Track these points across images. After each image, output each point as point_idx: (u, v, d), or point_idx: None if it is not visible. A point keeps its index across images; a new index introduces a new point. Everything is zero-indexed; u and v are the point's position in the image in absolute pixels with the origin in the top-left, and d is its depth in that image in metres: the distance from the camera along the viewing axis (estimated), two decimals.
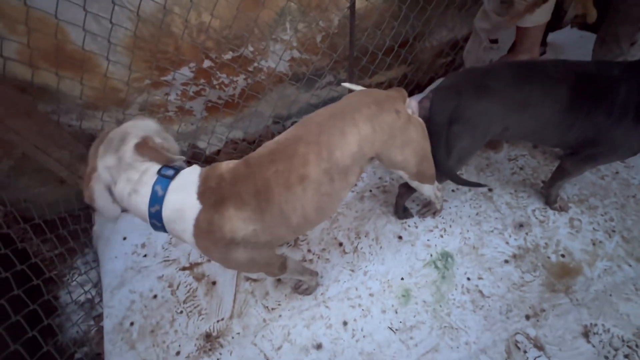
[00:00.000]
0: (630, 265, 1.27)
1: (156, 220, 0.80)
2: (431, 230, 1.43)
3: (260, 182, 0.82)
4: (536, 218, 1.42)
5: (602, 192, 1.45)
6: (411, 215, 1.46)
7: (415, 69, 1.91)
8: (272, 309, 1.33)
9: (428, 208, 1.44)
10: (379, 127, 0.90)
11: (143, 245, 1.55)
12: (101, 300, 1.57)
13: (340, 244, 1.44)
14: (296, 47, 1.52)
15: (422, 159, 1.02)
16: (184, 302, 1.39)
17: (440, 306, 1.27)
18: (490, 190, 1.51)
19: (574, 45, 1.99)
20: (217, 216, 0.79)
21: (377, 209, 1.52)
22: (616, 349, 1.12)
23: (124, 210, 0.84)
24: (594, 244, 1.34)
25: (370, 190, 1.57)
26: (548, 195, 1.39)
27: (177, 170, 0.83)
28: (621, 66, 0.95)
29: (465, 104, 0.97)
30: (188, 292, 1.41)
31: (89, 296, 1.60)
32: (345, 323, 1.27)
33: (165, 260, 1.49)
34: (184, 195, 0.80)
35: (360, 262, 1.39)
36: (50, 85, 1.24)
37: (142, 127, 0.84)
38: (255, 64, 1.51)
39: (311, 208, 0.87)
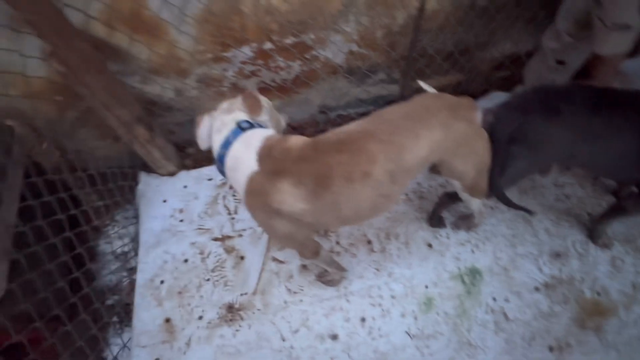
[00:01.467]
0: None
1: (220, 163, 0.91)
2: (463, 244, 1.40)
3: (322, 168, 0.83)
4: (575, 250, 1.35)
5: None
6: (444, 226, 1.44)
7: (470, 78, 1.84)
8: (295, 292, 1.35)
9: (464, 221, 1.40)
10: (451, 135, 0.89)
11: (181, 211, 1.61)
12: (136, 255, 1.65)
13: (369, 242, 1.44)
14: (356, 41, 1.50)
15: (480, 173, 1.00)
16: (212, 270, 1.44)
17: (462, 321, 1.25)
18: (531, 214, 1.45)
19: None
20: (270, 184, 0.84)
21: (410, 213, 1.50)
22: None
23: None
24: (634, 287, 1.27)
25: (407, 194, 1.55)
26: (595, 229, 1.32)
27: (253, 126, 0.92)
28: None
29: (530, 124, 0.93)
30: (217, 262, 1.46)
31: (126, 249, 1.70)
32: (363, 319, 1.28)
33: (199, 228, 1.55)
34: (245, 150, 0.87)
35: (387, 262, 1.38)
36: (122, 46, 1.29)
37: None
38: (313, 52, 1.51)
39: (365, 206, 0.87)
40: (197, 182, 1.69)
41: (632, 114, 0.89)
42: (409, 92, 1.78)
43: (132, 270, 1.64)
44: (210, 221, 1.57)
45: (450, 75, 1.79)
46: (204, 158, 1.82)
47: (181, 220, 1.59)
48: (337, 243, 1.44)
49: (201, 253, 1.49)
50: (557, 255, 1.35)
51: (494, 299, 1.28)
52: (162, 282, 1.44)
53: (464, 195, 1.11)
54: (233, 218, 1.56)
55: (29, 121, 1.37)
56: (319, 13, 1.36)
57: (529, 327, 1.22)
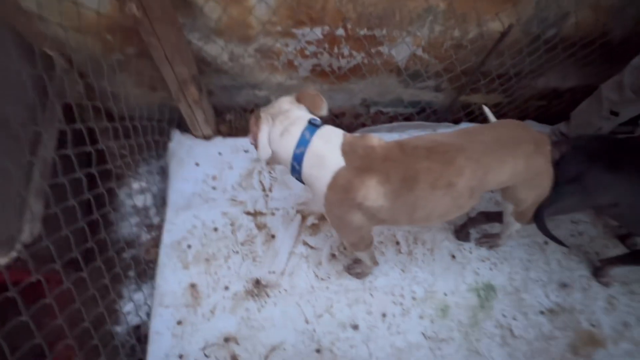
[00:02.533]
0: None
1: (297, 163, 0.89)
2: (483, 261, 1.50)
3: (410, 170, 0.87)
4: (580, 284, 1.49)
5: None
6: (469, 240, 1.52)
7: (510, 101, 1.90)
8: (322, 279, 1.41)
9: (488, 240, 1.49)
10: (530, 167, 0.95)
11: (214, 178, 1.60)
12: (157, 212, 1.64)
13: (397, 243, 1.50)
14: (423, 46, 1.51)
15: (535, 203, 1.07)
16: (242, 244, 1.46)
17: (473, 331, 1.35)
18: (546, 243, 1.57)
19: None
20: (357, 180, 0.87)
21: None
22: None
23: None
24: (624, 325, 1.42)
25: None
26: (602, 269, 1.45)
27: (323, 123, 0.93)
28: None
29: (593, 171, 1.00)
30: (247, 236, 1.47)
31: (147, 204, 1.67)
32: (384, 315, 1.36)
33: (232, 199, 1.55)
34: (328, 146, 0.89)
35: (412, 265, 1.46)
36: (196, 1, 1.24)
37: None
38: (380, 48, 1.50)
39: (440, 212, 0.93)
40: (233, 151, 1.67)
41: None
42: (456, 104, 1.82)
43: (152, 227, 1.63)
44: (244, 194, 1.57)
45: (495, 94, 1.85)
46: (241, 127, 1.79)
47: (214, 188, 1.58)
48: (371, 273, 1.47)
49: (232, 224, 1.50)
50: (564, 286, 1.48)
51: (504, 316, 1.39)
52: (189, 246, 1.44)
53: (509, 218, 1.18)
54: (267, 195, 1.57)
55: (71, 54, 1.28)
56: (399, 12, 1.35)
57: (530, 346, 1.34)
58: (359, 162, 0.87)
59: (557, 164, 1.04)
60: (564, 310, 1.42)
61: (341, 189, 0.88)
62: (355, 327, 1.33)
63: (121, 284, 1.41)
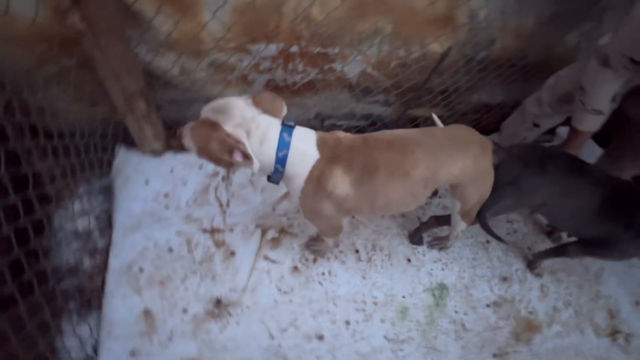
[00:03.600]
0: (576, 334, 1.58)
1: (280, 165, 0.92)
2: (435, 262, 1.63)
3: (371, 159, 0.95)
4: (517, 276, 1.68)
5: (568, 270, 1.76)
6: (422, 244, 1.65)
7: (450, 114, 2.12)
8: (285, 292, 1.42)
9: (439, 242, 1.63)
10: (477, 166, 1.09)
11: (166, 195, 1.54)
12: (101, 235, 1.53)
13: (357, 251, 1.58)
14: (372, 64, 1.63)
15: (478, 203, 1.22)
16: (200, 263, 1.42)
17: (430, 328, 1.46)
18: (487, 242, 1.75)
19: None
20: (328, 169, 0.93)
21: (393, 228, 1.68)
22: None
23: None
24: (554, 310, 1.63)
25: None
26: (534, 261, 1.66)
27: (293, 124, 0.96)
28: None
29: (526, 175, 1.17)
30: (205, 254, 1.44)
31: (89, 227, 1.55)
32: (347, 322, 1.41)
33: (187, 217, 1.51)
34: (307, 143, 0.94)
35: (372, 272, 1.53)
36: (146, 14, 1.22)
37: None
38: (333, 65, 1.59)
39: (397, 200, 1.03)
40: (186, 167, 1.63)
41: (593, 184, 1.19)
42: (403, 117, 1.97)
43: (96, 252, 1.51)
44: (200, 211, 1.53)
45: (438, 108, 2.04)
46: None
47: (166, 206, 1.52)
48: (328, 252, 1.54)
49: (188, 243, 1.45)
50: (504, 279, 1.66)
51: (456, 312, 1.52)
52: (141, 269, 1.37)
53: (456, 217, 1.32)
54: (225, 211, 1.55)
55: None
56: (349, 33, 1.45)
57: (480, 337, 1.48)
58: (329, 154, 0.95)
59: (495, 169, 1.20)
60: (506, 302, 1.60)
61: (315, 180, 0.95)
62: (320, 337, 1.36)
63: (63, 318, 1.29)
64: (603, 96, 1.18)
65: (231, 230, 1.51)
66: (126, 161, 1.58)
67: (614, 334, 1.61)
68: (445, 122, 2.13)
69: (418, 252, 1.64)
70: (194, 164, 1.65)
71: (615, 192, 1.19)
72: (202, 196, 1.57)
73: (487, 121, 2.23)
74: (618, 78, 1.14)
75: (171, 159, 1.64)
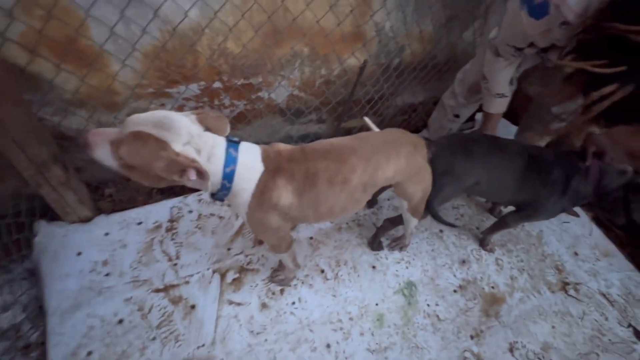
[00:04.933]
0: (535, 296, 1.74)
1: (228, 181, 0.92)
2: (399, 262, 1.70)
3: (311, 169, 1.00)
4: (474, 256, 1.82)
5: (515, 240, 1.95)
6: (382, 248, 1.71)
7: (381, 120, 2.27)
8: (258, 333, 1.37)
9: (397, 242, 1.71)
10: (411, 164, 1.17)
11: (105, 263, 1.42)
12: (34, 328, 1.35)
13: (322, 271, 1.59)
14: (298, 86, 1.71)
15: (423, 197, 1.31)
16: (158, 327, 1.32)
17: (408, 329, 1.50)
18: (441, 231, 1.88)
19: None
20: (271, 182, 0.96)
21: (353, 240, 1.73)
22: None
23: None
24: (511, 279, 1.78)
25: (347, 223, 1.78)
26: (484, 239, 1.82)
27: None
28: (555, 153, 1.41)
29: (457, 162, 1.30)
30: (162, 316, 1.34)
31: (16, 322, 1.36)
32: (328, 346, 1.39)
33: (134, 281, 1.40)
34: (253, 157, 0.96)
35: (341, 288, 1.55)
36: (43, 75, 1.15)
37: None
38: (259, 94, 1.63)
39: (339, 206, 1.08)
40: (123, 227, 1.53)
41: (512, 155, 1.36)
42: (338, 131, 2.07)
43: (29, 348, 1.33)
44: (147, 271, 1.43)
45: (368, 117, 2.18)
46: (126, 199, 1.66)
47: (107, 274, 1.40)
48: (295, 277, 1.53)
49: (140, 309, 1.34)
50: (463, 262, 1.78)
51: (428, 305, 1.59)
52: (89, 353, 1.23)
53: (406, 215, 1.40)
54: (175, 264, 1.47)
55: None
56: (269, 60, 1.51)
57: (455, 323, 1.56)
58: (272, 166, 0.97)
59: (431, 162, 1.31)
60: (470, 283, 1.71)
61: (261, 192, 0.96)
62: None
63: None
64: (502, 81, 1.37)
65: (186, 282, 1.43)
66: (49, 236, 1.43)
67: (564, 287, 1.81)
68: (378, 126, 2.31)
69: (381, 257, 1.69)
70: (132, 221, 1.55)
71: (532, 158, 1.37)
72: (146, 254, 1.47)
73: (415, 120, 2.43)
74: (510, 64, 1.34)
75: (104, 223, 1.52)
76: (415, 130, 2.38)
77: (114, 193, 1.64)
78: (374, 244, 1.69)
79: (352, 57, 1.71)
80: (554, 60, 1.37)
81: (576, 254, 1.97)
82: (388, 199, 1.93)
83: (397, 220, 1.56)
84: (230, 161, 0.91)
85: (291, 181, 0.99)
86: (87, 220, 1.51)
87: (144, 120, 0.80)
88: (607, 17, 0.82)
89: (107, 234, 1.49)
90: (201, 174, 0.83)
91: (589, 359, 1.57)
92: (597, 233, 2.10)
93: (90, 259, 1.42)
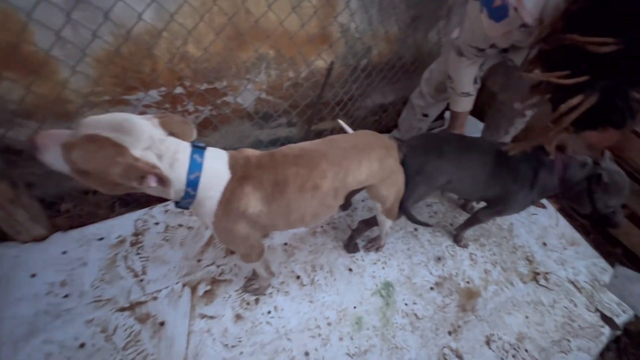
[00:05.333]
0: (508, 288, 1.79)
1: (192, 188, 0.88)
2: (375, 263, 1.70)
3: (280, 175, 0.97)
4: (449, 253, 1.85)
5: (487, 234, 2.00)
6: (358, 250, 1.71)
7: (352, 121, 2.28)
8: (233, 346, 1.32)
9: (373, 243, 1.71)
10: (384, 167, 1.17)
11: (63, 284, 1.33)
12: None
13: (298, 277, 1.56)
14: (265, 89, 1.68)
15: (397, 199, 1.31)
16: (124, 348, 1.24)
17: (387, 330, 1.50)
18: (415, 230, 1.90)
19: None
20: (239, 189, 0.93)
21: (328, 243, 1.71)
22: (507, 351, 1.55)
23: None
24: (485, 272, 1.82)
25: (322, 227, 1.77)
26: (457, 235, 1.85)
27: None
28: (522, 151, 1.45)
29: (429, 161, 1.32)
30: (129, 336, 1.27)
31: None
32: (307, 353, 1.37)
33: (96, 301, 1.32)
34: (220, 164, 0.92)
35: (318, 293, 1.53)
36: None
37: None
38: (225, 98, 1.59)
39: (310, 212, 1.06)
40: (82, 244, 1.44)
41: (482, 153, 1.40)
42: (309, 134, 2.05)
43: None
44: (111, 289, 1.36)
45: (340, 119, 2.18)
46: (85, 214, 1.57)
47: (66, 296, 1.31)
48: (269, 285, 1.49)
49: (103, 330, 1.26)
50: (438, 259, 1.81)
51: (406, 304, 1.60)
52: None
53: (381, 217, 1.40)
54: (142, 280, 1.40)
55: None
56: (233, 63, 1.48)
57: (433, 320, 1.58)
58: (240, 172, 0.94)
59: (403, 163, 1.31)
60: (446, 279, 1.74)
61: (227, 201, 0.93)
62: None
63: None
64: (466, 80, 1.41)
65: (154, 298, 1.36)
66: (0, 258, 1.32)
67: (535, 277, 1.87)
68: (350, 129, 2.31)
69: (357, 260, 1.69)
70: (92, 237, 1.46)
71: (501, 155, 1.41)
72: (110, 272, 1.39)
73: (386, 120, 2.46)
74: (473, 64, 1.37)
75: (60, 240, 1.43)
76: (387, 130, 2.41)
77: (71, 208, 1.54)
78: (350, 246, 1.68)
79: (319, 58, 1.70)
80: (516, 60, 1.42)
81: (545, 244, 2.04)
82: (362, 200, 1.93)
83: (372, 222, 1.56)
84: (195, 168, 0.87)
85: (259, 188, 0.96)
86: (41, 239, 1.41)
87: (101, 122, 0.76)
88: (563, 26, 0.85)
89: (64, 252, 1.40)
90: (162, 180, 0.79)
91: (561, 346, 1.63)
92: (563, 223, 2.20)
93: (46, 281, 1.32)
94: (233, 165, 0.95)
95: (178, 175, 0.86)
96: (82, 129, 0.74)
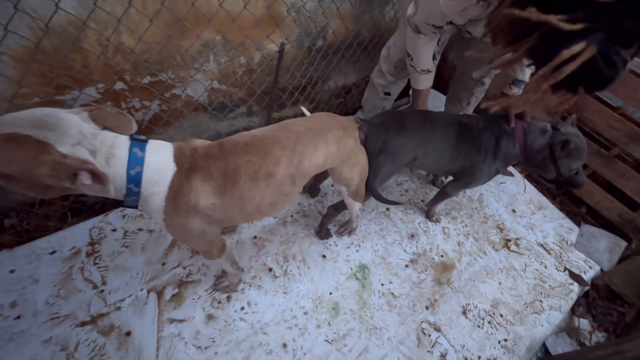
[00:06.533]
0: (481, 257, 1.83)
1: (134, 185, 0.83)
2: (349, 247, 1.69)
3: (230, 165, 0.93)
4: (421, 229, 1.87)
5: (458, 207, 2.04)
6: (331, 235, 1.69)
7: (315, 106, 2.24)
8: (206, 347, 1.29)
9: (345, 227, 1.70)
10: (342, 148, 1.14)
11: (13, 305, 1.25)
12: None
13: (270, 269, 1.53)
14: (217, 78, 1.61)
15: (362, 180, 1.29)
16: None
17: (365, 312, 1.50)
18: (387, 209, 1.90)
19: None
20: (187, 183, 0.89)
21: (299, 232, 1.69)
22: (482, 318, 1.60)
23: None
24: (458, 245, 1.86)
25: (292, 216, 1.74)
26: (429, 211, 1.87)
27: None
28: (483, 119, 1.46)
29: (391, 139, 1.30)
30: (92, 351, 1.21)
31: None
32: (284, 345, 1.35)
33: (52, 319, 1.24)
34: (163, 157, 0.87)
35: (292, 283, 1.51)
36: None
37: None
38: (174, 91, 1.51)
39: (267, 202, 1.02)
40: (32, 260, 1.35)
41: (444, 126, 1.40)
42: (270, 122, 1.99)
43: None
44: (68, 304, 1.28)
45: (302, 104, 2.13)
46: (34, 227, 1.47)
47: (17, 318, 1.23)
48: (240, 281, 1.46)
49: (64, 349, 1.20)
50: (412, 236, 1.82)
51: (382, 284, 1.61)
52: None
53: (348, 200, 1.39)
54: (102, 291, 1.33)
55: None
56: (177, 53, 1.40)
57: (410, 297, 1.59)
58: (187, 165, 0.90)
59: (365, 143, 1.29)
60: (420, 255, 1.76)
61: (175, 196, 0.88)
62: None
63: None
64: (426, 57, 1.39)
65: (118, 308, 1.30)
66: None
67: (506, 243, 1.92)
68: (313, 112, 2.27)
69: (330, 245, 1.68)
70: (42, 252, 1.37)
71: (463, 127, 1.42)
72: (65, 286, 1.31)
73: (351, 102, 2.43)
74: (431, 40, 1.35)
75: (7, 259, 1.33)
76: (353, 111, 2.38)
77: (16, 223, 1.44)
78: (322, 233, 1.66)
79: (271, 42, 1.64)
80: (474, 32, 1.40)
81: (514, 211, 2.10)
82: (332, 185, 1.91)
83: (341, 206, 1.54)
84: (135, 162, 0.82)
85: (209, 180, 0.92)
86: None
87: (20, 119, 0.69)
88: None
89: (12, 271, 1.31)
90: (97, 177, 0.74)
91: (534, 307, 1.69)
92: (530, 188, 2.26)
93: None
94: (179, 157, 0.90)
95: (116, 171, 0.80)
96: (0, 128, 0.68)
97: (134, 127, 0.88)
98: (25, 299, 1.27)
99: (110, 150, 0.79)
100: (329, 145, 1.11)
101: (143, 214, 1.56)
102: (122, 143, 0.81)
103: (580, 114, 2.05)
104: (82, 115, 0.78)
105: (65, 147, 0.71)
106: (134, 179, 0.83)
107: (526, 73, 1.49)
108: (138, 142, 0.85)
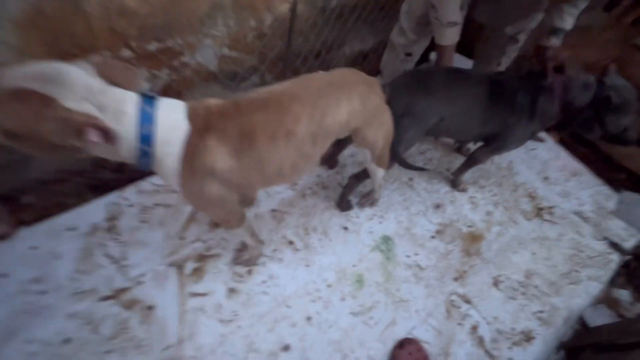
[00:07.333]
0: (512, 227, 1.74)
1: (146, 145, 0.78)
2: (371, 219, 1.63)
3: (247, 124, 0.86)
4: (447, 199, 1.78)
5: (486, 175, 1.93)
6: (352, 207, 1.63)
7: None
8: (229, 320, 1.28)
9: (367, 198, 1.63)
10: (367, 106, 1.05)
11: (37, 280, 1.26)
12: None
13: (291, 242, 1.49)
14: (227, 44, 1.53)
15: (386, 143, 1.21)
16: (113, 338, 1.19)
17: (390, 284, 1.46)
18: (410, 179, 1.82)
19: None
20: (201, 143, 0.83)
21: (319, 204, 1.63)
22: (516, 290, 1.53)
23: None
24: (487, 214, 1.77)
25: (311, 188, 1.68)
26: (455, 179, 1.78)
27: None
28: (518, 78, 1.34)
29: (415, 100, 1.21)
30: (117, 324, 1.22)
31: None
32: (309, 318, 1.33)
33: (76, 293, 1.25)
34: (175, 114, 0.81)
35: (314, 256, 1.47)
36: None
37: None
38: (183, 59, 1.44)
39: (288, 164, 0.96)
40: (52, 236, 1.35)
41: (474, 85, 1.29)
42: None
43: None
44: (90, 279, 1.28)
45: (315, 71, 2.03)
46: (51, 204, 1.46)
47: (42, 292, 1.24)
48: (261, 254, 1.42)
49: (89, 323, 1.21)
50: (437, 207, 1.74)
51: (407, 256, 1.55)
52: None
53: (372, 166, 1.31)
54: (123, 266, 1.33)
55: None
56: (184, 16, 1.32)
57: (437, 269, 1.54)
58: (201, 124, 0.84)
59: (388, 105, 1.20)
60: (447, 226, 1.68)
61: (191, 157, 0.83)
62: (286, 347, 1.26)
63: None
64: (452, 7, 1.27)
65: (139, 283, 1.30)
66: None
67: (539, 212, 1.82)
68: None
69: (352, 217, 1.62)
70: (62, 229, 1.37)
71: (494, 85, 1.30)
72: (86, 262, 1.31)
73: (368, 69, 2.30)
74: None
75: (29, 235, 1.34)
76: None
77: (33, 201, 1.43)
78: (343, 204, 1.61)
79: (283, 3, 1.54)
80: None
81: (546, 178, 1.98)
82: (351, 156, 1.84)
83: (363, 175, 1.47)
84: (146, 120, 0.77)
85: (225, 141, 0.85)
86: (5, 236, 1.32)
87: (24, 73, 0.64)
88: None
89: (34, 247, 1.31)
90: (106, 134, 0.69)
91: (571, 277, 1.60)
92: (564, 154, 2.13)
93: (18, 279, 1.24)
94: (192, 116, 0.83)
95: (126, 129, 0.75)
96: (3, 83, 0.63)
97: (142, 84, 0.82)
98: (48, 275, 1.27)
99: (118, 107, 0.74)
100: (353, 101, 1.02)
101: (159, 189, 1.53)
102: (131, 100, 0.76)
103: (623, 70, 1.87)
104: (88, 70, 0.73)
105: (71, 102, 0.67)
106: (145, 138, 0.78)
107: (566, 20, 1.35)
108: (148, 98, 0.79)
